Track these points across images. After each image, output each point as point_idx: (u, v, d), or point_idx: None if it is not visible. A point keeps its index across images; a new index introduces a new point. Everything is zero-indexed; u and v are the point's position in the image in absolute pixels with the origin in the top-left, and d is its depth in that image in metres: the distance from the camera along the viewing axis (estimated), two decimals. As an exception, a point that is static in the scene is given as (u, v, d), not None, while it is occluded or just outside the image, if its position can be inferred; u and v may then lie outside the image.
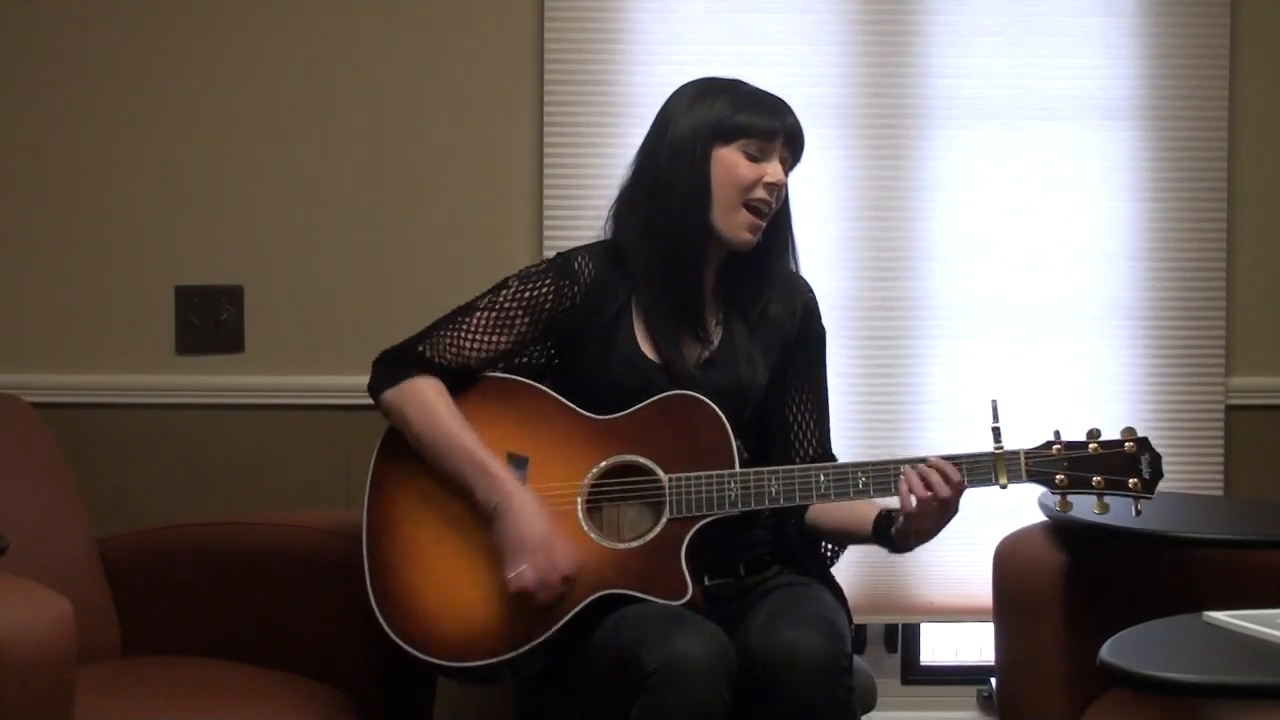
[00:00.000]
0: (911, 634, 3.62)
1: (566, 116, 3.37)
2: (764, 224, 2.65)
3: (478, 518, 2.59)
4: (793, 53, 3.37)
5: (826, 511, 2.71)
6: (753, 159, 2.62)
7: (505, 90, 3.39)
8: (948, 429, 3.38)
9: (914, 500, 2.50)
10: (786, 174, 2.66)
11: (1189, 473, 3.43)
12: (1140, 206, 3.45)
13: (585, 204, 3.35)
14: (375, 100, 3.39)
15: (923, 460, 2.54)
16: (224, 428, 3.39)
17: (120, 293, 3.38)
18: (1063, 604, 2.82)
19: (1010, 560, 2.95)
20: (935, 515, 2.53)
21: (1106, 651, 2.16)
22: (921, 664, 3.64)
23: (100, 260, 3.38)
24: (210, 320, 3.38)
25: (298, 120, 3.38)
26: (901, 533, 2.57)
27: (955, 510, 2.53)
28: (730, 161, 2.62)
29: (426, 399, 2.63)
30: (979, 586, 3.12)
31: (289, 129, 3.39)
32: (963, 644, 3.66)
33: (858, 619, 2.91)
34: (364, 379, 2.70)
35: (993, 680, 3.21)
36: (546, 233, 3.36)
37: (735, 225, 2.63)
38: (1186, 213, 3.46)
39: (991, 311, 3.44)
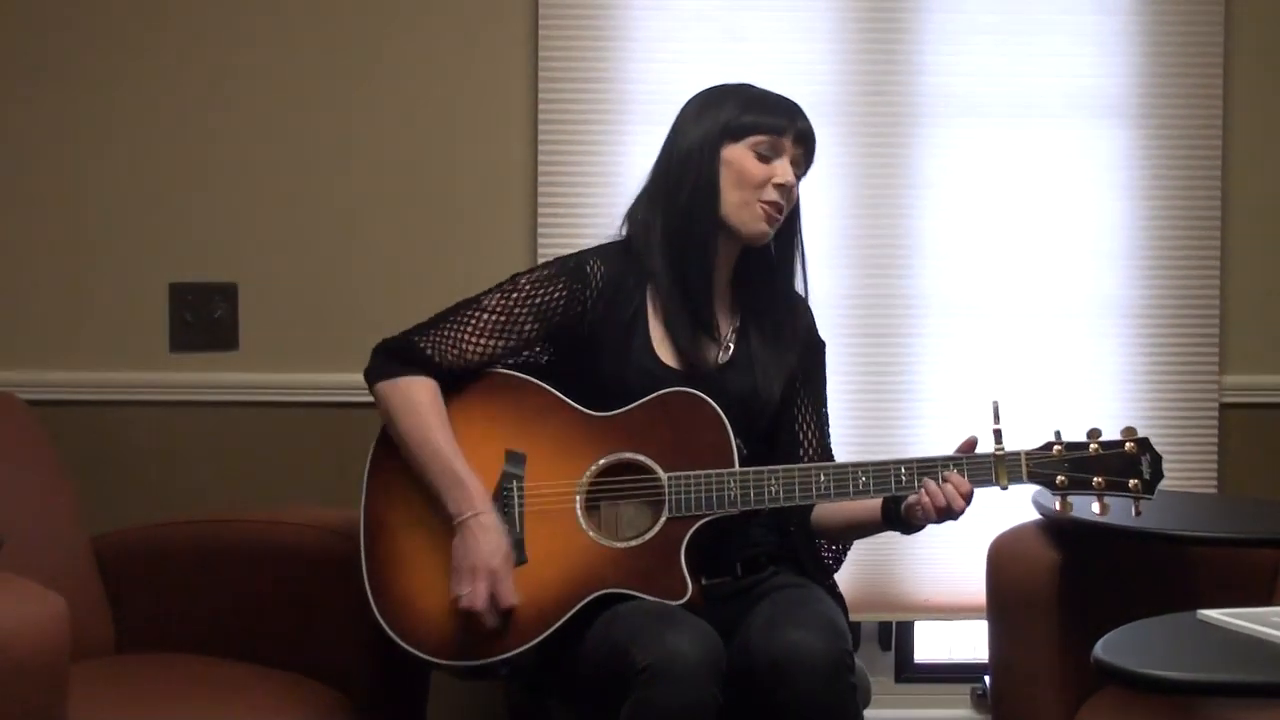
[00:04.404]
0: (905, 632, 3.62)
1: (561, 116, 3.37)
2: (780, 218, 2.64)
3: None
4: (787, 51, 3.37)
5: (831, 508, 2.71)
6: (763, 158, 2.62)
7: (500, 90, 3.39)
8: (942, 425, 3.38)
9: (933, 514, 2.52)
10: (799, 177, 2.66)
11: (1183, 471, 3.43)
12: (1134, 205, 3.45)
13: (580, 204, 3.35)
14: (370, 99, 3.39)
15: (927, 462, 2.54)
16: (218, 425, 3.38)
17: (114, 290, 3.38)
18: (1056, 602, 2.82)
19: (1004, 558, 2.95)
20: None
21: (1100, 649, 2.16)
22: (915, 662, 3.64)
23: (94, 257, 3.38)
24: (204, 317, 3.38)
25: (292, 119, 3.38)
26: (912, 511, 2.57)
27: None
28: (739, 159, 2.62)
29: (416, 400, 2.62)
30: (973, 584, 3.11)
31: (283, 128, 3.38)
32: (957, 642, 3.66)
33: (852, 617, 2.90)
34: (358, 376, 2.69)
35: (986, 678, 3.21)
36: (541, 232, 3.36)
37: (752, 217, 2.62)
38: (1181, 211, 3.46)
39: (986, 309, 3.44)
